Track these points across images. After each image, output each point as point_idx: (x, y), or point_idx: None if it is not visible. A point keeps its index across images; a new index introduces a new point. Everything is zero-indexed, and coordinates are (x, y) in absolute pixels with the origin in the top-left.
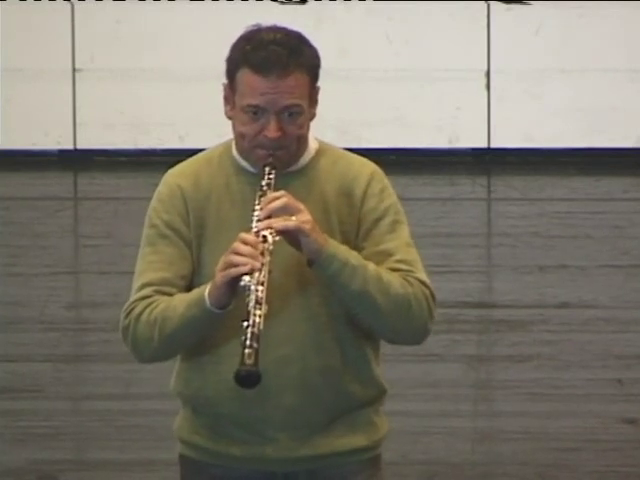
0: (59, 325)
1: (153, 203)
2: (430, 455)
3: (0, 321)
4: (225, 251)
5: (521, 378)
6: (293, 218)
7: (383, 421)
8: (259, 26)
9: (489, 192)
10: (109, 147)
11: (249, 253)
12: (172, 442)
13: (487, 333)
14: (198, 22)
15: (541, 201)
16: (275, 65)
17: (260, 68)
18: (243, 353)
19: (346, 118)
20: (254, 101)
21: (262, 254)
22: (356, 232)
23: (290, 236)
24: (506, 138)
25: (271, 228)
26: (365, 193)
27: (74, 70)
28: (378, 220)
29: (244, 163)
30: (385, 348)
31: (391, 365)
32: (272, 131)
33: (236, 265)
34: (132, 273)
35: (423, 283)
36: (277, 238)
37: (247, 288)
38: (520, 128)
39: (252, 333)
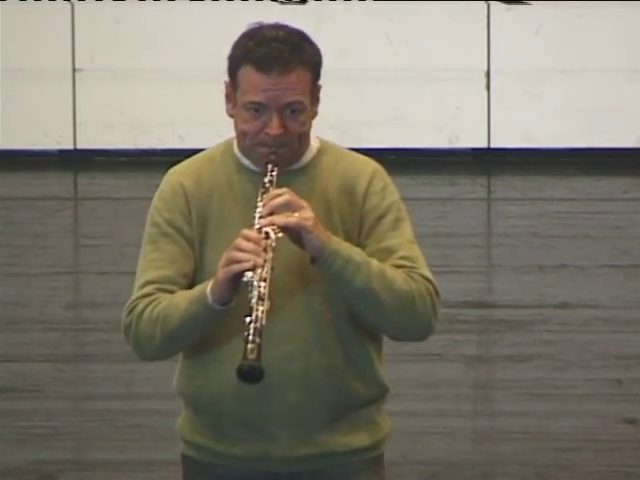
0: (59, 325)
1: (155, 202)
2: (430, 455)
3: (0, 321)
4: (227, 249)
5: (521, 378)
6: (295, 215)
7: (385, 420)
8: (261, 24)
9: (489, 192)
10: (109, 147)
11: (251, 249)
12: (172, 442)
13: (487, 333)
14: (198, 22)
15: (541, 201)
16: (277, 62)
17: (262, 65)
18: (246, 348)
19: (346, 118)
20: (256, 98)
21: (265, 250)
22: (358, 230)
23: (292, 233)
24: (506, 138)
25: (273, 224)
26: (367, 191)
27: (74, 70)
28: (380, 218)
29: (246, 161)
30: (385, 348)
31: (391, 365)
32: (274, 128)
33: (238, 261)
34: (132, 273)
35: (427, 279)
36: (280, 235)
37: (249, 284)
38: (520, 128)
39: (255, 328)
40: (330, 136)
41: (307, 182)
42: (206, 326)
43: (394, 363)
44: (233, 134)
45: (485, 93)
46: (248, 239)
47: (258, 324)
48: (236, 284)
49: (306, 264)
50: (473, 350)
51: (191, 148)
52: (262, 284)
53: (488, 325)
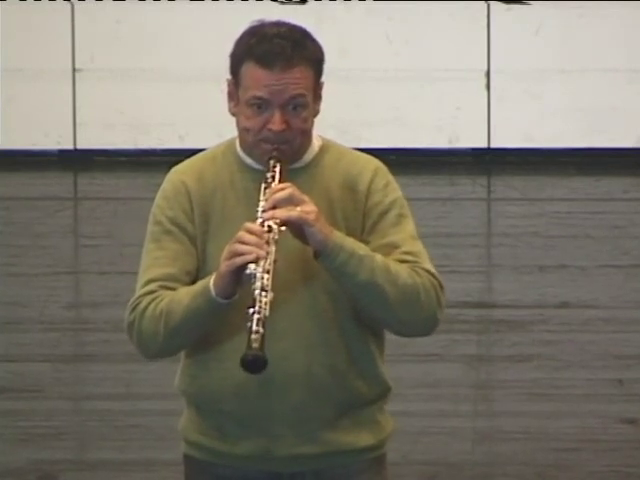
0: (59, 325)
1: (157, 200)
2: (430, 455)
3: (0, 321)
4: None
5: (521, 378)
6: (298, 209)
7: (387, 420)
8: (263, 21)
9: (489, 192)
10: (109, 147)
11: (254, 242)
12: (172, 442)
13: (487, 333)
14: (198, 22)
15: (541, 201)
16: (279, 57)
17: (264, 61)
18: (249, 338)
19: (346, 118)
20: (258, 93)
21: (267, 243)
22: (361, 227)
23: (295, 227)
24: (506, 138)
25: (276, 218)
26: (369, 188)
27: (74, 70)
28: (383, 214)
29: (248, 160)
30: (385, 348)
31: (391, 365)
32: (277, 124)
33: (241, 254)
34: (132, 273)
35: (431, 273)
36: (282, 228)
37: (252, 276)
38: (520, 128)
39: (258, 319)
40: (330, 136)
41: (309, 180)
42: (209, 321)
43: (394, 363)
44: (234, 134)
45: (485, 93)
46: (251, 232)
47: (262, 314)
48: (239, 277)
49: (309, 262)
50: (473, 350)
51: (191, 148)
52: (265, 276)
53: (488, 325)
